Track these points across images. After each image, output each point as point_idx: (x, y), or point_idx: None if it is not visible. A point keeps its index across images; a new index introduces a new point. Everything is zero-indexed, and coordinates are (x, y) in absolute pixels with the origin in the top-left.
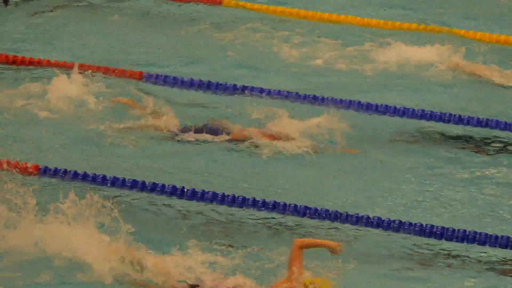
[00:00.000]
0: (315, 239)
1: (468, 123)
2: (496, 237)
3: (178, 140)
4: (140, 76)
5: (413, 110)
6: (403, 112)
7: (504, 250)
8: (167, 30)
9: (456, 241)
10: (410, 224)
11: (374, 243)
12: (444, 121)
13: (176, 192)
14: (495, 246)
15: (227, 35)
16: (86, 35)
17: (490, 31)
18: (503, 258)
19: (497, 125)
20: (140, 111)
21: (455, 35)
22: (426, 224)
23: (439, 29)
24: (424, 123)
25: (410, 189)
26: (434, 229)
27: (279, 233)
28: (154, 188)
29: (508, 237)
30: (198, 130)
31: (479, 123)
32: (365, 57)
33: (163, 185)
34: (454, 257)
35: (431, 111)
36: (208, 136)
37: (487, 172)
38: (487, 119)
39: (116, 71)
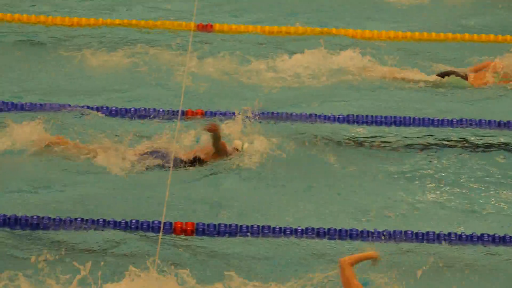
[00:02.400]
0: (357, 254)
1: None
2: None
3: (127, 171)
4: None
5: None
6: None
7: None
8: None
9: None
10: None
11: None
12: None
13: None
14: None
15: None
16: None
17: (384, 29)
18: None
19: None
20: (72, 148)
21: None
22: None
23: (336, 32)
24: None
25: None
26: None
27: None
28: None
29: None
30: (145, 157)
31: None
32: (275, 68)
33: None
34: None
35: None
36: (157, 162)
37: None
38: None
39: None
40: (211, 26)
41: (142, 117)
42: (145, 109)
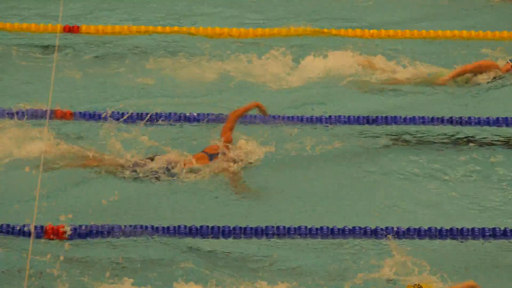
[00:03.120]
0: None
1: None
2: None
3: (133, 177)
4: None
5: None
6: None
7: None
8: None
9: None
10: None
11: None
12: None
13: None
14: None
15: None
16: None
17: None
18: None
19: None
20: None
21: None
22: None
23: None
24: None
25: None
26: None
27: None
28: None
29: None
30: (148, 163)
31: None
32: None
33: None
34: None
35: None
36: (160, 169)
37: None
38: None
39: None
40: (78, 28)
41: (11, 117)
42: (10, 110)
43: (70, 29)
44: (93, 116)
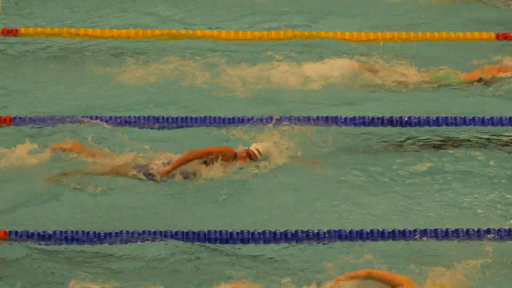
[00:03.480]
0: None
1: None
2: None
3: (140, 180)
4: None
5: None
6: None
7: None
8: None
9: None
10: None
11: None
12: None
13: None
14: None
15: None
16: None
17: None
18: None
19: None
20: (88, 155)
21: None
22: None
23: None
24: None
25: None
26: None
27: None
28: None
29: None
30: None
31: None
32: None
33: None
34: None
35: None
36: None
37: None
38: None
39: None
40: (16, 30)
41: None
42: None
43: (9, 32)
44: (34, 121)
